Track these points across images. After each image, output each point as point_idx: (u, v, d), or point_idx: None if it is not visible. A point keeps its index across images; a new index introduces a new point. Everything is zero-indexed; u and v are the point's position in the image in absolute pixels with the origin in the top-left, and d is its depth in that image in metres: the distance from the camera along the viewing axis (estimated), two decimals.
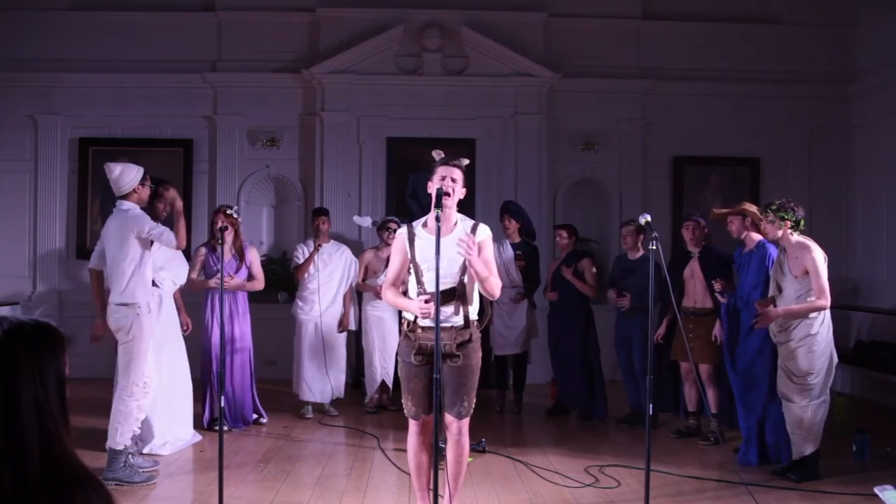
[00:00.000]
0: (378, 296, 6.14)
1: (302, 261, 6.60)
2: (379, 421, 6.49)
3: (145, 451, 5.19)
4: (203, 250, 6.11)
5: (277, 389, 7.31)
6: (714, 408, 5.76)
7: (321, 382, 6.57)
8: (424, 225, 3.78)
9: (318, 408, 6.66)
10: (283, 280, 8.01)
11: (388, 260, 5.99)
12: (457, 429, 3.75)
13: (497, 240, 5.82)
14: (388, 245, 6.54)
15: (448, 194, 3.64)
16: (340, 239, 7.50)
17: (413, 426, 3.81)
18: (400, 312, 3.95)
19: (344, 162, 8.37)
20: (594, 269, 6.69)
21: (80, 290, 7.90)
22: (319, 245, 6.58)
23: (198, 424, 5.90)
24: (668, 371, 6.19)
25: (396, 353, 4.27)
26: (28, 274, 8.46)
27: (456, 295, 3.68)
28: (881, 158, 8.13)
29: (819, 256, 4.72)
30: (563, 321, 6.69)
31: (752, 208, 5.40)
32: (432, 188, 3.68)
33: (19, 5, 8.43)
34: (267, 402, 6.65)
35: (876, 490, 3.86)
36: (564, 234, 6.79)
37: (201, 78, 8.44)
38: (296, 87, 8.50)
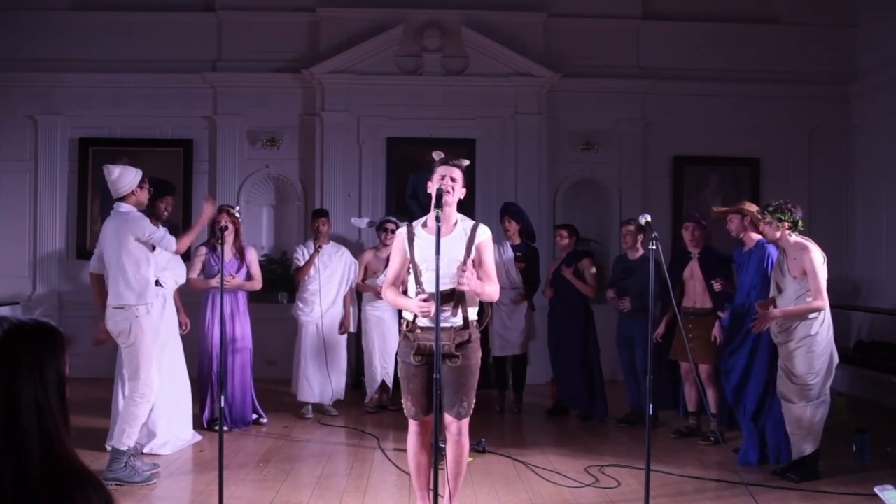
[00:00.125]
0: (378, 296, 6.15)
1: (302, 263, 6.59)
2: (379, 421, 6.49)
3: (146, 450, 5.19)
4: (204, 250, 6.09)
5: (277, 389, 7.31)
6: (714, 408, 5.77)
7: (322, 383, 6.57)
8: (424, 225, 3.78)
9: (318, 408, 6.66)
10: (284, 280, 8.01)
11: (387, 260, 6.01)
12: (456, 429, 3.75)
13: (497, 241, 5.82)
14: (387, 245, 6.56)
15: (448, 192, 3.64)
16: (340, 240, 7.50)
17: (413, 426, 3.81)
18: (400, 312, 3.95)
19: (344, 162, 8.37)
20: (594, 269, 6.69)
21: (80, 290, 7.90)
22: (320, 247, 6.58)
23: (197, 424, 5.90)
24: (668, 370, 6.19)
25: (396, 354, 4.27)
26: (28, 274, 8.46)
27: (455, 296, 3.68)
28: (881, 158, 8.13)
29: (817, 257, 4.72)
30: (563, 321, 6.69)
31: (752, 208, 5.40)
32: (432, 188, 3.68)
33: (19, 5, 8.43)
34: (267, 402, 6.66)
35: (876, 490, 3.86)
36: (565, 234, 6.79)
37: (201, 78, 8.44)
38: (296, 87, 8.50)
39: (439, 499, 3.67)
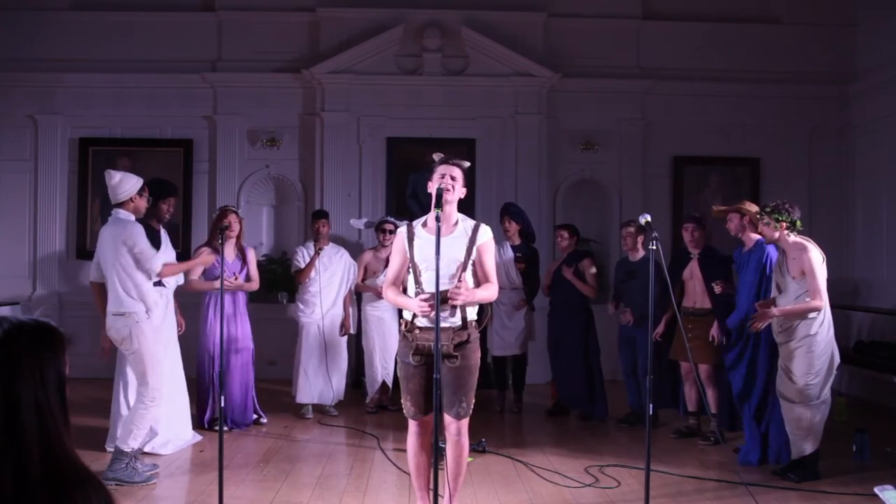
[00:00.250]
0: (378, 296, 6.15)
1: (303, 265, 6.58)
2: (379, 421, 6.49)
3: (147, 449, 5.18)
4: (206, 251, 6.05)
5: (277, 389, 7.31)
6: (714, 408, 5.77)
7: (323, 385, 6.57)
8: (424, 224, 3.78)
9: (318, 408, 6.66)
10: (284, 280, 8.01)
11: (387, 260, 6.02)
12: (456, 429, 3.75)
13: (497, 241, 5.82)
14: (385, 246, 6.56)
15: (448, 190, 3.64)
16: (340, 240, 7.50)
17: (412, 426, 3.81)
18: (400, 312, 3.94)
19: (344, 162, 8.37)
20: (594, 270, 6.69)
21: (80, 290, 7.90)
22: (320, 249, 6.57)
23: (196, 424, 5.91)
24: (668, 370, 6.19)
25: (396, 354, 4.27)
26: (28, 274, 8.46)
27: (457, 285, 3.67)
28: (881, 158, 8.13)
29: (816, 257, 4.72)
30: (563, 321, 6.69)
31: (752, 208, 5.40)
32: (432, 188, 3.68)
33: (19, 5, 8.43)
34: (267, 402, 6.66)
35: (876, 490, 3.86)
36: (566, 234, 6.79)
37: (201, 78, 8.44)
38: (296, 87, 8.50)
39: (439, 499, 3.67)
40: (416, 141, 8.24)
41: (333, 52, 8.35)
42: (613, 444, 5.81)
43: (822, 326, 4.76)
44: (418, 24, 8.39)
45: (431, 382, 3.50)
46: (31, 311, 8.09)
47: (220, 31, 8.57)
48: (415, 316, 3.69)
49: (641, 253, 6.32)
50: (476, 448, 5.27)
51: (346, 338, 6.81)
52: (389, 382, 6.75)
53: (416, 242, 3.74)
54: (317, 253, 6.54)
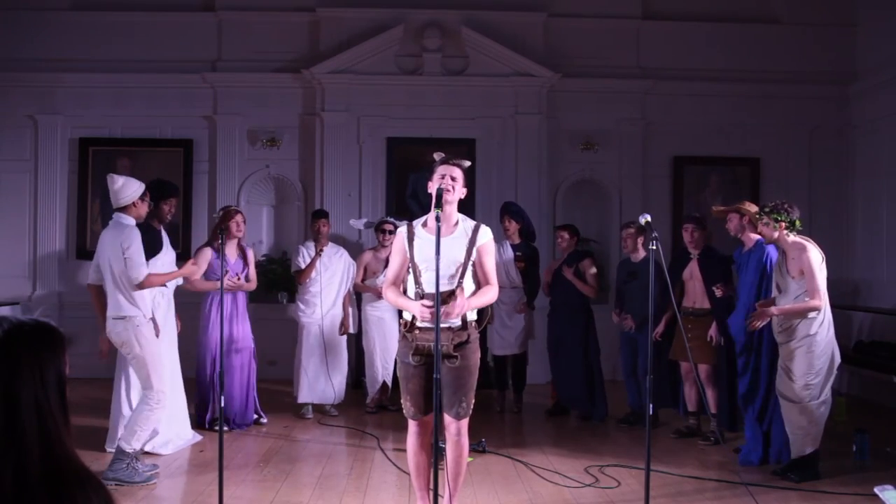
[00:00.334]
0: (378, 296, 6.15)
1: (304, 265, 6.58)
2: (379, 421, 6.49)
3: (147, 448, 5.18)
4: (210, 251, 6.06)
5: (277, 389, 7.31)
6: (713, 408, 5.76)
7: (324, 385, 6.57)
8: (424, 224, 3.77)
9: (318, 408, 6.66)
10: (284, 280, 8.01)
11: (386, 260, 6.02)
12: (455, 429, 3.75)
13: (497, 241, 5.82)
14: (385, 246, 6.56)
15: (448, 191, 3.64)
16: (340, 240, 7.51)
17: (412, 426, 3.81)
18: (400, 312, 3.94)
19: (344, 162, 8.37)
20: (594, 270, 6.69)
21: (80, 290, 7.88)
22: (322, 250, 6.57)
23: (196, 424, 5.91)
24: (668, 369, 6.19)
25: (396, 354, 4.27)
26: (28, 274, 8.46)
27: (454, 297, 3.67)
28: (881, 158, 8.12)
29: (815, 257, 4.72)
30: (563, 321, 6.69)
31: (752, 208, 5.40)
32: (432, 188, 3.68)
33: (19, 5, 8.43)
34: (267, 402, 6.66)
35: (876, 490, 3.86)
36: (566, 235, 6.79)
37: (201, 78, 8.44)
38: (296, 87, 8.50)
39: (439, 499, 3.67)
40: (416, 141, 8.24)
41: (333, 52, 8.35)
42: (613, 444, 5.81)
43: (823, 326, 4.76)
44: (418, 24, 8.39)
45: (431, 382, 3.50)
46: (31, 311, 8.09)
47: (220, 31, 8.57)
48: (415, 316, 3.68)
49: (643, 254, 6.32)
50: (476, 448, 5.27)
51: (345, 338, 6.81)
52: (390, 382, 6.75)
53: (416, 242, 3.74)
54: (318, 254, 6.54)
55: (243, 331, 6.16)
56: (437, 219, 3.45)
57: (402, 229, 3.85)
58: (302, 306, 6.63)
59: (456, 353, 3.68)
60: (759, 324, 4.87)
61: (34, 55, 8.37)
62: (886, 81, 7.97)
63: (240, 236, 6.10)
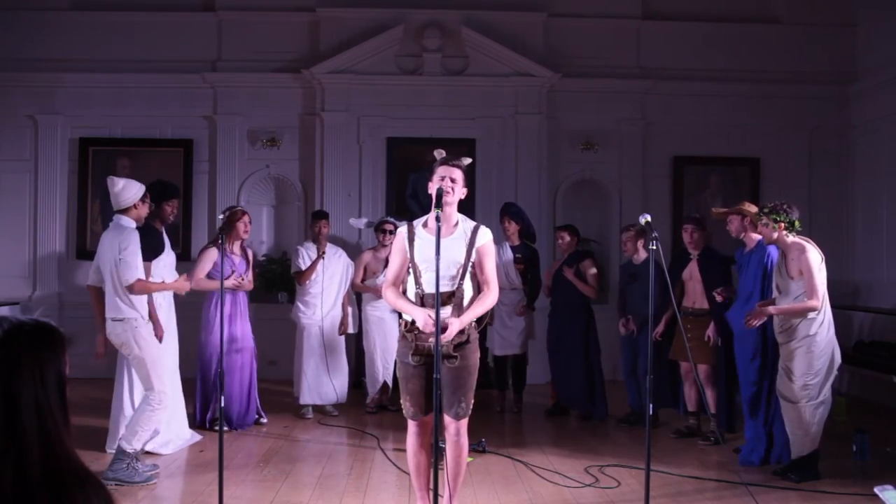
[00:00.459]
0: (378, 296, 6.14)
1: (304, 266, 6.58)
2: (379, 421, 6.49)
3: (148, 448, 5.18)
4: (215, 251, 6.05)
5: (277, 389, 7.31)
6: (713, 408, 5.76)
7: (325, 385, 6.56)
8: (425, 225, 3.77)
9: (319, 408, 6.66)
10: (284, 280, 8.01)
11: (386, 260, 6.02)
12: (455, 429, 3.75)
13: (497, 242, 5.83)
14: (385, 246, 6.55)
15: (448, 192, 3.63)
16: (340, 241, 7.52)
17: (412, 427, 3.81)
18: (400, 313, 3.93)
19: (344, 162, 8.37)
20: (594, 270, 6.69)
21: (80, 290, 7.87)
22: (324, 252, 6.57)
23: (197, 424, 5.91)
24: (668, 369, 6.19)
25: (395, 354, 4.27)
26: (28, 274, 8.46)
27: (454, 298, 3.67)
28: (881, 158, 8.13)
29: (813, 257, 4.72)
30: (563, 321, 6.68)
31: (753, 209, 5.39)
32: (432, 188, 3.67)
33: (19, 5, 8.43)
34: (267, 402, 6.66)
35: (876, 490, 3.86)
36: (566, 235, 6.78)
37: (201, 78, 8.44)
38: (296, 87, 8.50)
39: (439, 499, 3.67)
40: (416, 141, 8.24)
41: (333, 52, 8.35)
42: (613, 444, 5.81)
43: (823, 327, 4.76)
44: (418, 24, 8.39)
45: (431, 383, 3.50)
46: (31, 312, 8.08)
47: (220, 31, 8.57)
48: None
49: (643, 255, 6.31)
50: (476, 448, 5.27)
51: (344, 338, 6.81)
52: (390, 382, 6.75)
53: (416, 243, 3.73)
54: (321, 255, 6.53)
55: (244, 331, 6.16)
56: (438, 219, 3.45)
57: (403, 229, 3.85)
58: (302, 307, 6.63)
59: (455, 354, 3.68)
60: (756, 322, 4.86)
61: (34, 55, 8.37)
62: (886, 81, 7.97)
63: (246, 237, 6.14)
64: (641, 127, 8.67)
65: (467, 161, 3.84)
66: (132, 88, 8.44)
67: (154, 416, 4.76)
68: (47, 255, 8.44)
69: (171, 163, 8.44)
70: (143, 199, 4.92)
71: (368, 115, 8.40)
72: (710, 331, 5.72)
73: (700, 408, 5.92)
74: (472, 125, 8.46)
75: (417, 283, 3.70)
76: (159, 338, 4.96)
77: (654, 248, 3.78)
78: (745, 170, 8.70)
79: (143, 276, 4.84)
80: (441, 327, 3.44)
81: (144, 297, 4.88)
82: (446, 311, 3.62)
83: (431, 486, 3.58)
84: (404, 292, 3.80)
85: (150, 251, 5.04)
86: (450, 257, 3.63)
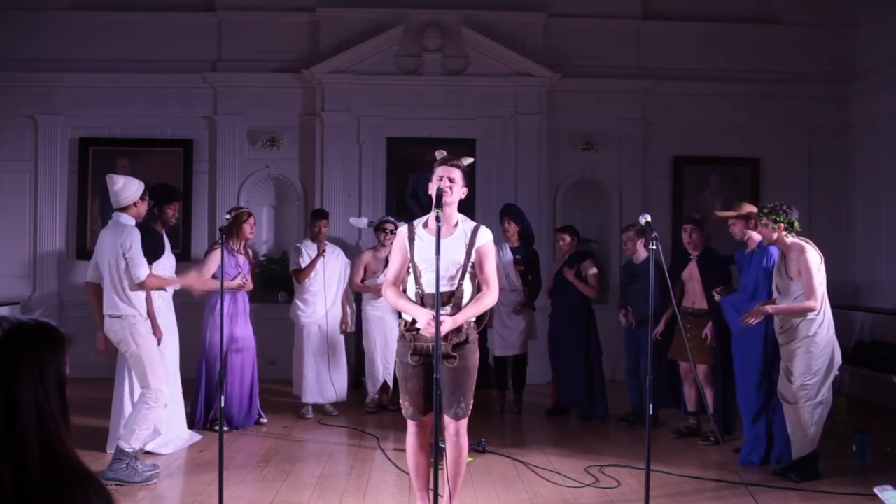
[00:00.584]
0: (378, 295, 6.14)
1: (303, 264, 6.58)
2: (379, 421, 6.49)
3: (148, 448, 5.18)
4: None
5: (278, 389, 7.31)
6: (712, 408, 5.76)
7: (327, 384, 6.57)
8: (425, 225, 3.76)
9: (319, 408, 6.66)
10: (284, 280, 8.01)
11: (386, 260, 6.02)
12: (454, 430, 3.74)
13: (496, 243, 5.83)
14: (385, 246, 6.56)
15: (447, 192, 3.63)
16: (340, 241, 7.51)
17: (411, 427, 3.81)
18: (399, 312, 3.93)
19: (344, 162, 8.37)
20: (595, 270, 6.69)
21: (80, 290, 7.85)
22: (324, 250, 6.57)
23: (197, 424, 5.91)
24: (668, 369, 6.18)
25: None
26: (28, 274, 8.46)
27: (453, 298, 3.67)
28: (881, 158, 8.13)
29: (812, 258, 4.72)
30: (564, 322, 6.68)
31: (753, 209, 5.39)
32: (432, 188, 3.67)
33: (19, 5, 8.43)
34: (267, 402, 6.66)
35: (876, 490, 3.86)
36: (566, 237, 6.78)
37: (201, 78, 8.44)
38: (296, 87, 8.50)
39: (439, 499, 3.67)
40: (416, 141, 8.24)
41: (333, 52, 8.35)
42: (613, 444, 5.81)
43: (822, 327, 4.76)
44: (418, 24, 8.39)
45: (430, 383, 3.50)
46: (31, 311, 8.08)
47: (220, 31, 8.57)
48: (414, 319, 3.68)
49: (644, 255, 6.31)
50: (476, 448, 5.27)
51: (343, 337, 6.81)
52: (391, 382, 6.75)
53: (416, 243, 3.73)
54: (321, 253, 6.54)
55: (245, 331, 6.16)
56: (438, 219, 3.45)
57: (403, 229, 3.85)
58: (301, 305, 6.63)
59: (454, 354, 3.67)
60: (753, 321, 4.86)
61: (34, 55, 8.37)
62: (886, 81, 7.97)
63: (251, 237, 6.23)
64: (641, 127, 8.67)
65: (468, 161, 3.83)
66: (132, 88, 8.44)
67: (151, 414, 4.76)
68: (47, 255, 8.44)
69: (171, 163, 8.44)
70: (142, 197, 4.92)
71: (368, 115, 8.40)
72: (708, 329, 5.72)
73: (700, 408, 5.92)
74: (472, 125, 8.46)
75: (417, 283, 3.70)
76: (158, 339, 4.96)
77: (654, 248, 3.78)
78: (745, 170, 8.70)
79: (148, 272, 4.86)
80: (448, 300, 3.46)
81: (143, 295, 4.88)
82: (446, 312, 3.62)
83: (431, 486, 3.58)
84: (404, 292, 3.80)
85: (150, 253, 5.04)
86: (449, 257, 3.63)
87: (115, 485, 4.49)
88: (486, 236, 3.75)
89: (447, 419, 3.72)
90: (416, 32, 8.39)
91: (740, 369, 5.29)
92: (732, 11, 8.78)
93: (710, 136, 8.68)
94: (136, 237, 4.78)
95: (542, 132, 8.45)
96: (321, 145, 8.37)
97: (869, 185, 8.37)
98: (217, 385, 5.95)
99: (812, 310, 4.70)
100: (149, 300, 4.99)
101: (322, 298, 6.57)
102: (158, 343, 4.97)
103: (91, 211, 8.47)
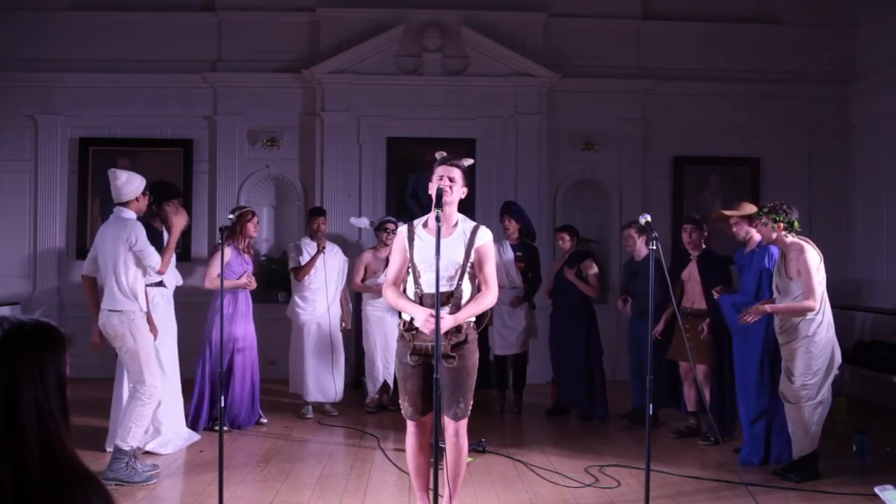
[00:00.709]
0: (379, 295, 6.14)
1: (303, 262, 6.58)
2: (379, 421, 6.49)
3: (148, 448, 5.18)
4: (228, 250, 6.02)
5: (277, 389, 7.31)
6: (708, 407, 5.75)
7: (328, 383, 6.57)
8: (425, 225, 3.76)
9: (319, 408, 6.66)
10: (284, 280, 8.00)
11: (387, 260, 6.02)
12: (454, 430, 3.74)
13: (497, 240, 5.83)
14: (386, 245, 6.55)
15: (446, 191, 3.62)
16: (340, 240, 7.52)
17: (411, 427, 3.80)
18: (399, 312, 3.93)
19: (344, 162, 8.37)
20: (595, 270, 6.69)
21: (80, 290, 7.83)
22: (324, 248, 6.57)
23: (197, 424, 5.91)
24: (668, 369, 6.18)
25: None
26: (28, 274, 8.46)
27: (452, 298, 3.66)
28: (881, 158, 8.13)
29: (812, 258, 4.72)
30: (564, 321, 6.69)
31: (753, 209, 5.39)
32: (432, 188, 3.67)
33: (19, 5, 8.43)
34: (267, 402, 6.66)
35: (876, 490, 3.85)
36: (567, 237, 6.78)
37: (201, 78, 8.44)
38: (296, 87, 8.50)
39: (439, 499, 3.67)
40: (416, 141, 8.24)
41: (333, 52, 8.35)
42: (613, 444, 5.81)
43: (822, 327, 4.76)
44: (418, 24, 8.39)
45: (429, 383, 3.49)
46: (31, 311, 8.08)
47: (220, 31, 8.57)
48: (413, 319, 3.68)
49: (644, 252, 6.31)
50: (476, 448, 5.27)
51: (342, 335, 6.82)
52: (391, 382, 6.74)
53: (416, 243, 3.73)
54: (321, 251, 6.54)
55: (247, 330, 6.16)
56: (438, 219, 3.44)
57: (403, 229, 3.84)
58: (300, 303, 6.62)
59: (454, 354, 3.67)
60: (751, 319, 4.86)
61: (34, 55, 8.37)
62: (886, 81, 7.97)
63: (255, 236, 6.29)
64: (641, 127, 8.67)
65: (468, 162, 3.83)
66: (132, 88, 8.44)
67: (145, 410, 4.75)
68: (47, 255, 8.44)
69: (171, 163, 8.44)
70: (143, 192, 4.95)
71: (368, 115, 8.40)
72: (705, 324, 5.72)
73: (700, 408, 5.92)
74: (472, 125, 8.46)
75: (416, 283, 3.70)
76: (154, 335, 4.97)
77: (655, 248, 3.78)
78: (745, 170, 8.70)
79: (159, 258, 4.92)
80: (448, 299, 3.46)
81: (143, 290, 4.88)
82: (445, 312, 3.62)
83: (431, 486, 3.58)
84: (404, 292, 3.80)
85: None
86: (448, 258, 3.62)
87: (115, 485, 4.49)
88: (485, 236, 3.74)
89: (447, 419, 3.72)
90: (416, 32, 8.39)
91: (740, 369, 5.29)
92: (732, 11, 8.78)
93: (710, 136, 8.68)
94: (141, 230, 4.81)
95: (542, 132, 8.45)
96: (321, 145, 8.37)
97: (869, 185, 8.37)
98: (214, 385, 5.97)
99: (811, 309, 4.70)
100: (147, 299, 5.01)
101: (323, 296, 6.57)
102: (154, 339, 4.98)
103: (91, 211, 8.47)
